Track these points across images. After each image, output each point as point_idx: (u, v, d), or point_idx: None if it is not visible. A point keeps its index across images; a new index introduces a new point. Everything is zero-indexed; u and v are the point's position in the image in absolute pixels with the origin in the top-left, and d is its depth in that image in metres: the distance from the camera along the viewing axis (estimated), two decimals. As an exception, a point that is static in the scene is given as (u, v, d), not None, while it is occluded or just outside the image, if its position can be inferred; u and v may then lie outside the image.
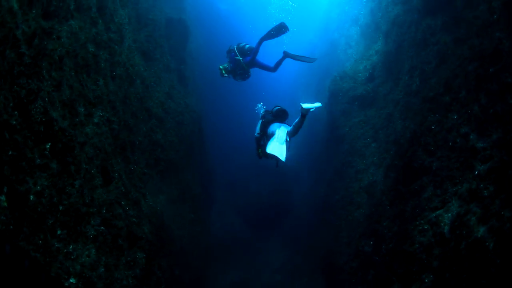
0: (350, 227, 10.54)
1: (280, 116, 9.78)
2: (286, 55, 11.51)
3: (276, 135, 8.71)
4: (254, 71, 12.07)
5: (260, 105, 11.37)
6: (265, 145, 9.04)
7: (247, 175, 22.71)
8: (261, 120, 10.13)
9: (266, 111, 10.36)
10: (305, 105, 8.90)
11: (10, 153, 3.82)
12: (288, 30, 11.37)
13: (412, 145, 8.02)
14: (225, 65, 11.81)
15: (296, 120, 9.03)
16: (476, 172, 6.29)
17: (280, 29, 11.33)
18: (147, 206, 7.82)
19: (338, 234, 11.40)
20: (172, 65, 13.30)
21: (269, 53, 13.27)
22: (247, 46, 11.87)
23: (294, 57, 11.64)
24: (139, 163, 8.32)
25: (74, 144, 5.02)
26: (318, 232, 13.99)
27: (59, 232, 4.49)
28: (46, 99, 4.63)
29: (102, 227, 5.34)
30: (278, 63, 11.79)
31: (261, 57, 11.80)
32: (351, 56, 18.34)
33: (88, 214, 5.10)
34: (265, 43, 11.75)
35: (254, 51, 11.43)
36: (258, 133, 9.78)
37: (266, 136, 9.46)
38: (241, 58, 11.53)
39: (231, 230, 19.20)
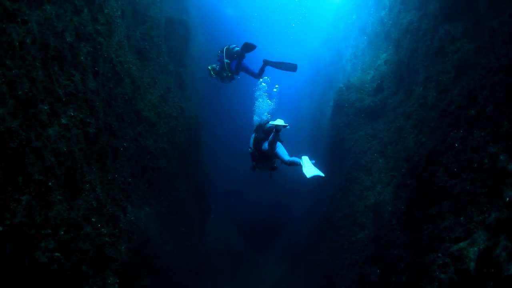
0: (354, 249, 9.43)
1: (268, 134, 9.11)
2: (266, 63, 11.25)
3: (303, 164, 8.17)
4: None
5: (255, 117, 10.66)
6: (266, 160, 9.05)
7: (245, 185, 21.63)
8: (254, 134, 9.67)
9: (259, 124, 9.81)
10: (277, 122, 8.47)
11: None
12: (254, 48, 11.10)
13: (430, 164, 6.95)
14: (214, 65, 11.43)
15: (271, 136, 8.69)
16: (507, 199, 5.26)
17: (247, 48, 11.10)
18: (127, 221, 6.72)
19: (339, 254, 10.30)
20: (170, 67, 12.29)
21: (256, 58, 12.60)
22: (236, 49, 11.39)
23: (274, 65, 11.29)
24: (122, 171, 7.25)
25: (25, 150, 3.96)
26: (317, 250, 12.86)
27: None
28: (-9, 91, 3.59)
29: (57, 253, 4.26)
30: (261, 71, 11.41)
31: (249, 62, 11.52)
32: (357, 66, 17.37)
33: (39, 237, 4.03)
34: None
35: (239, 56, 11.16)
36: (250, 148, 9.48)
37: (264, 155, 9.18)
38: (228, 61, 11.13)
39: (227, 242, 18.07)
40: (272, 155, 8.85)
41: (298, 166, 8.23)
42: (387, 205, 8.76)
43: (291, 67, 11.47)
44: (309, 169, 7.96)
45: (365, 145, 11.07)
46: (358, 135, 11.63)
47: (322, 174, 7.89)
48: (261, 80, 11.65)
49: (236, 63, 11.11)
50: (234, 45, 11.66)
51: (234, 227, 19.23)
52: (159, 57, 11.18)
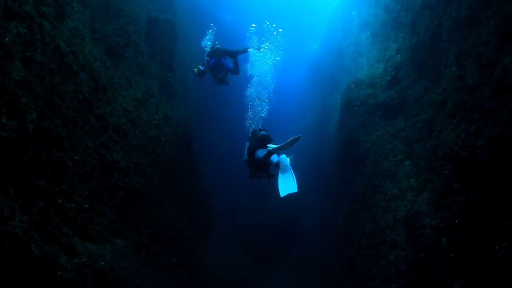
0: (385, 276, 7.22)
1: (262, 142, 8.52)
2: (234, 54, 11.56)
3: (281, 166, 7.44)
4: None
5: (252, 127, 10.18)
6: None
7: (250, 199, 19.44)
8: (248, 143, 9.20)
9: (253, 131, 9.28)
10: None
11: None
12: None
13: (498, 157, 4.81)
14: (200, 65, 11.61)
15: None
16: None
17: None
18: (72, 264, 4.57)
19: (366, 281, 8.06)
20: (154, 70, 10.28)
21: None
22: (217, 47, 11.59)
23: (238, 52, 11.69)
24: (71, 195, 5.15)
25: None
26: (334, 272, 10.62)
27: None
28: None
29: None
30: (235, 65, 11.62)
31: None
32: (362, 64, 15.39)
33: None
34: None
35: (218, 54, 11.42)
36: (245, 157, 8.99)
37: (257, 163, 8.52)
38: (207, 58, 11.34)
39: (233, 264, 15.81)
40: (266, 163, 8.10)
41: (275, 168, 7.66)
42: (426, 217, 6.59)
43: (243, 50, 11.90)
44: (284, 183, 7.24)
45: (385, 147, 8.93)
46: (376, 135, 9.50)
47: (295, 190, 7.20)
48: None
49: (215, 61, 11.25)
50: (218, 45, 11.76)
51: (240, 246, 16.99)
52: (137, 57, 9.17)
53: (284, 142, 7.72)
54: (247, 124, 9.84)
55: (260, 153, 8.07)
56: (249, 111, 11.81)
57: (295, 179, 7.23)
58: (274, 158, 7.71)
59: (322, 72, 22.63)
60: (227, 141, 20.71)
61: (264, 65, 15.91)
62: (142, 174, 7.19)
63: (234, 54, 11.41)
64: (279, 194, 7.11)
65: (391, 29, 11.76)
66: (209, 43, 12.65)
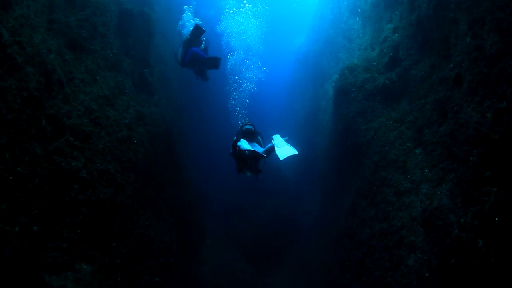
0: (406, 285, 6.08)
1: (247, 136, 8.27)
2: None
3: (275, 143, 7.56)
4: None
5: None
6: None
7: (244, 200, 18.19)
8: (234, 138, 8.72)
9: (241, 126, 8.92)
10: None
11: None
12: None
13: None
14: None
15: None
16: None
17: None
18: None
19: (380, 289, 6.95)
20: (127, 64, 9.08)
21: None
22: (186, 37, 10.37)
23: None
24: (14, 216, 3.95)
25: None
26: (340, 275, 9.48)
27: None
28: None
29: None
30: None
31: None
32: (352, 50, 14.32)
33: None
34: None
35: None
36: (231, 151, 8.52)
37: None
38: (180, 48, 10.32)
39: (229, 270, 14.59)
40: (249, 157, 7.88)
41: (274, 149, 7.54)
42: (450, 214, 5.48)
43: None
44: (282, 149, 7.33)
45: (390, 134, 7.79)
46: (378, 122, 8.36)
47: (296, 152, 7.30)
48: None
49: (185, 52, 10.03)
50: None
51: (236, 250, 15.76)
52: (104, 50, 7.95)
53: (267, 147, 7.76)
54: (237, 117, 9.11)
55: (244, 145, 7.75)
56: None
57: (293, 147, 7.34)
58: (268, 145, 7.71)
59: (310, 63, 21.53)
60: (217, 139, 19.43)
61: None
62: (110, 183, 5.94)
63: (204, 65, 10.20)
64: (279, 159, 7.17)
65: (384, 9, 10.68)
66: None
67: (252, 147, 7.80)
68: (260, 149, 7.79)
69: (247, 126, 8.41)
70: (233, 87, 18.67)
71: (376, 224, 7.45)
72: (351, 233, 8.61)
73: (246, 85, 19.37)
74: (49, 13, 6.69)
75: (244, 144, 7.80)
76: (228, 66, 18.77)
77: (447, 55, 6.79)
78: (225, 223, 17.42)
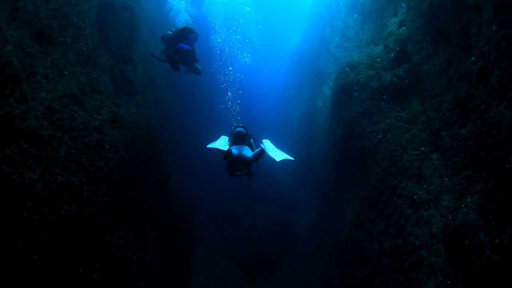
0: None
1: (237, 139, 7.94)
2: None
3: (266, 148, 7.51)
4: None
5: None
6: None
7: (237, 205, 17.19)
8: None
9: (233, 128, 8.55)
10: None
11: None
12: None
13: None
14: None
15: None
16: None
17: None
18: None
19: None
20: (105, 60, 8.08)
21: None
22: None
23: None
24: None
25: None
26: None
27: None
28: None
29: None
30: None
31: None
32: (351, 49, 13.43)
33: None
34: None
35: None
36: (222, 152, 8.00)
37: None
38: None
39: (221, 283, 13.54)
40: (238, 161, 7.64)
41: (264, 153, 7.43)
42: (480, 232, 4.55)
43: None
44: (276, 153, 7.33)
45: (401, 137, 6.84)
46: (386, 124, 7.40)
47: (291, 158, 7.27)
48: None
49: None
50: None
51: (229, 260, 14.73)
52: (77, 43, 6.94)
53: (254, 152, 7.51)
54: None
55: (234, 150, 7.45)
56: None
57: (285, 153, 7.24)
58: (257, 149, 7.51)
59: (306, 64, 20.62)
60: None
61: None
62: (73, 198, 4.90)
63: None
64: (275, 162, 7.05)
65: (387, 2, 9.79)
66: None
67: (242, 151, 7.54)
68: (249, 153, 7.48)
69: (238, 129, 7.99)
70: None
71: (387, 240, 6.49)
72: (356, 248, 7.64)
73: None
74: (14, 1, 5.73)
75: (233, 149, 7.54)
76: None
77: (467, 46, 5.88)
78: (218, 231, 16.39)
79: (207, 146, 7.26)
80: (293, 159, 7.12)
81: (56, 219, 4.52)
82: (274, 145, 7.62)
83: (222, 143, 7.49)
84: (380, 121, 7.61)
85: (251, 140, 8.22)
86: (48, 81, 5.48)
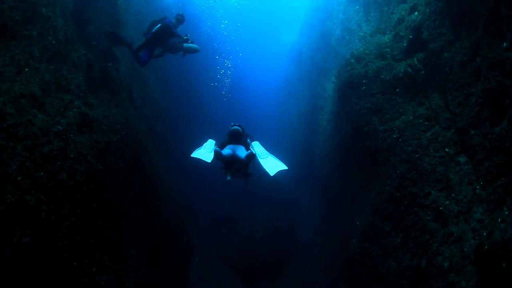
0: None
1: (233, 138, 7.60)
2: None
3: (257, 154, 6.92)
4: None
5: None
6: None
7: (236, 209, 16.19)
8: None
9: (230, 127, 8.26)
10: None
11: None
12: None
13: None
14: None
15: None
16: None
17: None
18: None
19: None
20: (79, 55, 7.09)
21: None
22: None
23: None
24: None
25: None
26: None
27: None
28: None
29: None
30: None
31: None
32: (353, 42, 12.50)
33: None
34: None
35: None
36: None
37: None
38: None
39: (220, 293, 12.59)
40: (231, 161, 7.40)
41: (253, 156, 6.94)
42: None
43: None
44: (269, 162, 6.71)
45: (421, 137, 5.85)
46: (402, 121, 6.40)
47: (285, 167, 6.61)
48: None
49: None
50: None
51: (227, 269, 13.76)
52: (44, 36, 5.96)
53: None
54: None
55: (225, 151, 7.14)
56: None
57: (278, 159, 6.76)
58: (242, 153, 7.04)
59: (305, 60, 19.63)
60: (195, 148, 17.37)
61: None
62: (27, 221, 3.92)
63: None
64: (269, 176, 6.56)
65: (395, -13, 8.84)
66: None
67: (236, 151, 7.20)
68: (243, 154, 7.03)
69: (234, 128, 7.68)
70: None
71: (406, 257, 5.51)
72: (369, 263, 6.66)
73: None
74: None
75: (225, 149, 7.25)
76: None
77: (497, 30, 4.91)
78: (215, 237, 15.40)
79: (191, 156, 6.84)
80: (287, 168, 6.57)
81: (4, 249, 3.55)
82: (265, 148, 7.18)
83: (208, 148, 7.00)
84: (394, 118, 6.62)
85: (248, 140, 7.83)
86: (3, 80, 4.49)
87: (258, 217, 15.67)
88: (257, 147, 7.10)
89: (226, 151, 7.16)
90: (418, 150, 5.75)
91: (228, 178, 7.46)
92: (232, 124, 7.95)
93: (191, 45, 9.04)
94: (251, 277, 13.71)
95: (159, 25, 8.61)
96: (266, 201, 16.67)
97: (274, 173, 6.47)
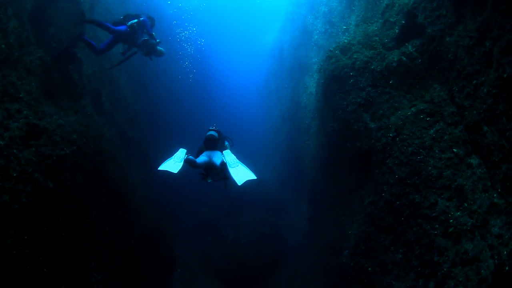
0: None
1: (208, 144, 7.13)
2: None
3: (228, 162, 6.59)
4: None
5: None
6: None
7: (219, 215, 15.17)
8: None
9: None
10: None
11: None
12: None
13: None
14: None
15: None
16: None
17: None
18: None
19: None
20: (32, 59, 6.03)
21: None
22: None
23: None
24: None
25: None
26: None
27: None
28: None
29: None
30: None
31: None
32: (336, 35, 11.63)
33: None
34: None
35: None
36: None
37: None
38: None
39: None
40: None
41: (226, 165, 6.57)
42: None
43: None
44: (237, 171, 6.37)
45: (424, 135, 4.94)
46: (398, 117, 5.47)
47: (254, 177, 6.34)
48: None
49: None
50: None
51: (211, 279, 12.73)
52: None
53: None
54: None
55: (201, 158, 6.82)
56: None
57: (248, 168, 6.50)
58: (217, 159, 6.71)
59: (286, 57, 18.72)
60: (184, 145, 16.30)
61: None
62: None
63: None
64: (237, 185, 6.30)
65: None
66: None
67: (212, 157, 6.81)
68: (219, 160, 6.69)
69: (209, 133, 7.28)
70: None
71: (410, 277, 4.60)
72: (365, 280, 5.73)
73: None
74: None
75: (201, 156, 6.92)
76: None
77: (509, 8, 4.05)
78: (199, 245, 14.39)
79: (158, 169, 6.48)
80: (255, 177, 6.32)
81: None
82: (236, 156, 6.83)
83: (177, 159, 6.57)
84: (389, 113, 5.71)
85: (226, 143, 7.57)
86: None
87: (242, 223, 14.74)
88: (228, 156, 6.69)
89: (202, 158, 6.80)
90: (420, 151, 4.84)
91: (209, 180, 7.11)
92: (209, 128, 7.59)
93: (161, 48, 8.75)
94: (238, 287, 12.76)
95: (137, 20, 8.13)
96: (251, 204, 15.68)
97: (242, 182, 6.22)
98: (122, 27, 8.01)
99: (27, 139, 4.87)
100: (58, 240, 4.91)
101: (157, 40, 8.50)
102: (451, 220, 4.15)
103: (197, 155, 7.09)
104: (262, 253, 13.16)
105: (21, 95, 5.28)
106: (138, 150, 11.34)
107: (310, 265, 10.78)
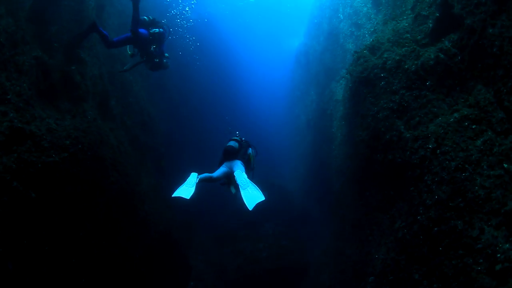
0: None
1: (227, 156, 7.07)
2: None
3: (239, 184, 6.29)
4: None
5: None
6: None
7: (238, 226, 14.39)
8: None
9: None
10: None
11: None
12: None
13: None
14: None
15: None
16: None
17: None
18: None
19: None
20: (26, 58, 5.50)
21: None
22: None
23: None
24: None
25: None
26: None
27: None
28: None
29: None
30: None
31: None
32: (363, 37, 10.83)
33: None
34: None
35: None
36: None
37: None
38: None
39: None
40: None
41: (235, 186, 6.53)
42: None
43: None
44: (248, 193, 6.06)
45: (469, 147, 4.02)
46: (438, 125, 4.53)
47: (262, 198, 6.07)
48: None
49: None
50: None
51: (228, 296, 11.96)
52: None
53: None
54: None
55: (220, 170, 6.78)
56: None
57: (258, 188, 6.17)
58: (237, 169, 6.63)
59: (312, 62, 17.88)
60: (204, 151, 15.62)
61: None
62: None
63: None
64: (247, 209, 5.92)
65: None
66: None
67: (233, 167, 6.75)
68: (240, 170, 6.58)
69: (229, 143, 7.23)
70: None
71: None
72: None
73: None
74: None
75: (220, 168, 6.88)
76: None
77: None
78: (215, 257, 13.62)
79: (172, 196, 6.30)
80: (264, 198, 6.04)
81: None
82: (246, 175, 6.56)
83: (189, 184, 6.34)
84: (427, 121, 4.78)
85: (250, 151, 7.47)
86: None
87: (263, 235, 13.89)
88: (239, 177, 6.42)
89: (222, 169, 6.78)
90: (465, 166, 3.90)
91: (233, 191, 6.96)
92: (232, 137, 7.56)
93: (167, 61, 8.39)
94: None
95: (158, 30, 7.83)
96: (272, 214, 14.82)
97: (252, 207, 5.95)
98: (145, 32, 7.66)
99: (9, 144, 4.29)
100: (41, 259, 4.26)
101: (166, 55, 8.20)
102: (499, 255, 3.22)
103: (219, 165, 7.06)
104: (281, 268, 12.24)
105: (8, 97, 4.72)
106: (152, 157, 10.74)
107: (330, 285, 9.82)
